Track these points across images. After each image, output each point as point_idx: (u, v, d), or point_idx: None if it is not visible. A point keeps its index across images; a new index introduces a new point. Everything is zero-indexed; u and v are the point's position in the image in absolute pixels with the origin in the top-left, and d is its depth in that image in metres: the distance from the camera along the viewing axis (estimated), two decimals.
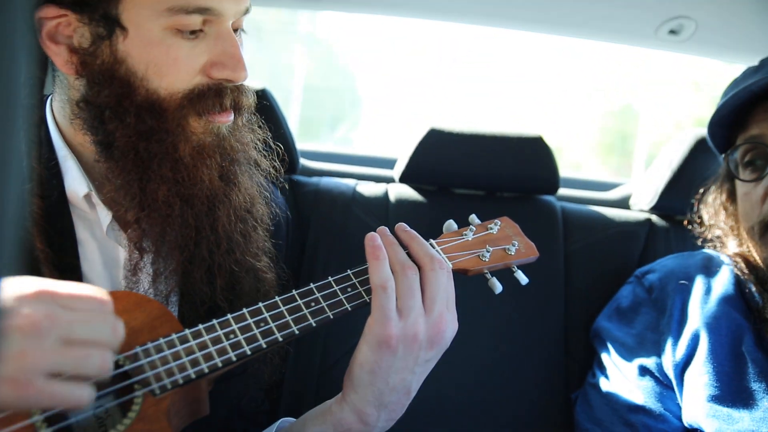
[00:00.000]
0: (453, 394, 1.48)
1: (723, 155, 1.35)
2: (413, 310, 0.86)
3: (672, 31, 1.68)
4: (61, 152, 0.96)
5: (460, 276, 0.98)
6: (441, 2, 1.75)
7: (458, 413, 1.47)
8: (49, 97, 1.01)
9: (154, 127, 0.89)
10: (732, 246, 1.29)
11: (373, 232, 0.91)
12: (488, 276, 0.99)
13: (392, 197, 1.59)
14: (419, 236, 0.93)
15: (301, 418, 0.97)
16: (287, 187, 1.59)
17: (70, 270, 0.93)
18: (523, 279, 1.00)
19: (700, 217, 1.40)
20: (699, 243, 1.39)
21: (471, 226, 1.03)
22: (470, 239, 1.00)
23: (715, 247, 1.35)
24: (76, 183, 0.95)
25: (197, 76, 0.90)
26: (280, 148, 1.09)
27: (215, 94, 0.91)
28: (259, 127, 1.06)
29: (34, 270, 0.88)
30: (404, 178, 1.63)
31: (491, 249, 0.99)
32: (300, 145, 1.76)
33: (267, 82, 1.58)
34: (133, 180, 0.90)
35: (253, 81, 1.54)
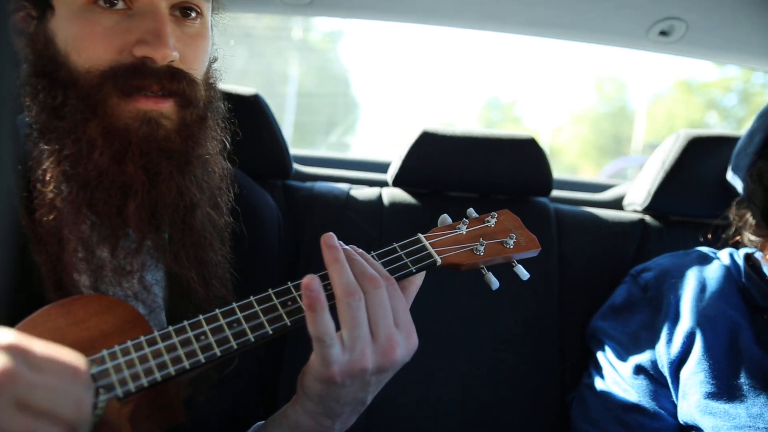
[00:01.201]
0: (447, 395, 1.48)
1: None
2: (358, 341, 0.79)
3: (663, 33, 1.68)
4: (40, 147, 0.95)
5: (453, 272, 0.95)
6: (432, 7, 1.75)
7: (452, 414, 1.47)
8: None
9: (62, 103, 0.85)
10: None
11: (311, 278, 0.79)
12: (484, 271, 0.95)
13: (386, 201, 1.59)
14: (342, 256, 0.82)
15: (265, 422, 0.95)
16: (282, 192, 1.59)
17: (56, 269, 0.91)
18: (524, 274, 0.96)
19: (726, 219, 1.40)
20: (719, 244, 1.40)
21: (465, 219, 0.99)
22: (464, 233, 0.96)
23: (736, 247, 1.35)
24: None
25: (119, 54, 0.86)
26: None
27: (135, 73, 0.86)
28: (225, 128, 1.01)
29: (23, 254, 0.87)
30: (397, 182, 1.63)
31: (485, 242, 0.95)
32: (293, 150, 1.76)
33: (261, 89, 1.58)
34: (44, 161, 0.87)
35: (246, 87, 1.55)
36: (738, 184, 1.36)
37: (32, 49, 0.88)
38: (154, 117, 0.88)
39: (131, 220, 0.88)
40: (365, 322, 0.80)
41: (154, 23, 0.86)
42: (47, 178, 0.87)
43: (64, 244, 0.90)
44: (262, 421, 0.97)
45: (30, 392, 0.61)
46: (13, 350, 0.62)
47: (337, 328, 0.80)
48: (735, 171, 1.37)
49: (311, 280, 0.78)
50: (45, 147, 0.87)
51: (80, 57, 0.86)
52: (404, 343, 0.82)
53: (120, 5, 0.87)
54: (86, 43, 0.85)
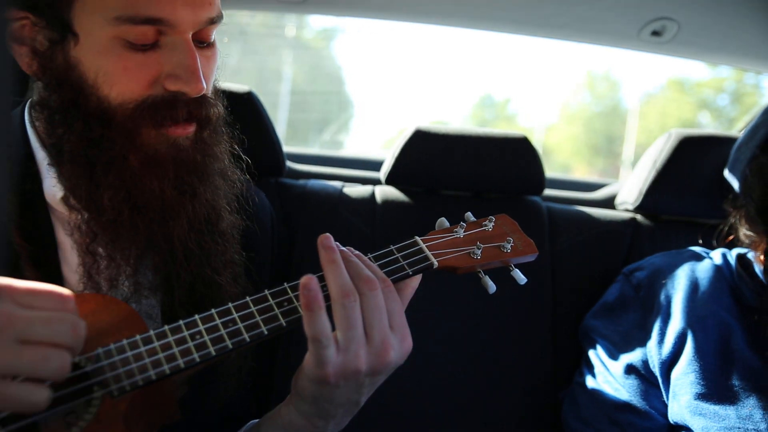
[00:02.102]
0: (440, 394, 1.48)
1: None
2: (353, 342, 0.79)
3: (655, 33, 1.69)
4: (39, 155, 0.94)
5: (449, 274, 0.95)
6: (426, 5, 1.76)
7: (446, 412, 1.47)
8: (29, 101, 1.00)
9: (102, 136, 0.87)
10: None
11: (309, 278, 0.79)
12: (481, 275, 0.95)
13: (379, 199, 1.59)
14: (339, 257, 0.83)
15: (259, 421, 0.96)
16: (275, 189, 1.59)
17: (51, 273, 0.92)
18: (521, 278, 0.96)
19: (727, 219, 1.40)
20: (715, 243, 1.40)
21: (463, 222, 0.99)
22: (461, 236, 0.96)
23: (732, 245, 1.36)
24: (54, 186, 0.93)
25: (151, 86, 0.87)
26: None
27: (168, 106, 0.88)
28: (231, 137, 1.04)
29: (15, 273, 0.87)
30: (390, 180, 1.63)
31: (483, 246, 0.95)
32: (287, 148, 1.76)
33: (254, 87, 1.57)
34: (80, 184, 0.88)
35: (239, 85, 1.55)
36: (735, 179, 1.37)
37: (50, 70, 0.88)
38: (179, 141, 0.91)
39: (178, 240, 0.92)
40: (360, 323, 0.80)
41: (185, 59, 0.87)
42: (92, 204, 0.89)
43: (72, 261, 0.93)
44: (256, 420, 0.98)
45: (29, 328, 0.66)
46: (0, 293, 0.66)
47: (333, 329, 0.80)
48: (734, 165, 1.38)
49: (309, 280, 0.78)
50: (81, 173, 0.89)
51: (112, 90, 0.86)
52: (398, 345, 0.83)
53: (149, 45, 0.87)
54: (119, 77, 0.86)
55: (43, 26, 0.87)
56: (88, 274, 0.91)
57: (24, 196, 0.92)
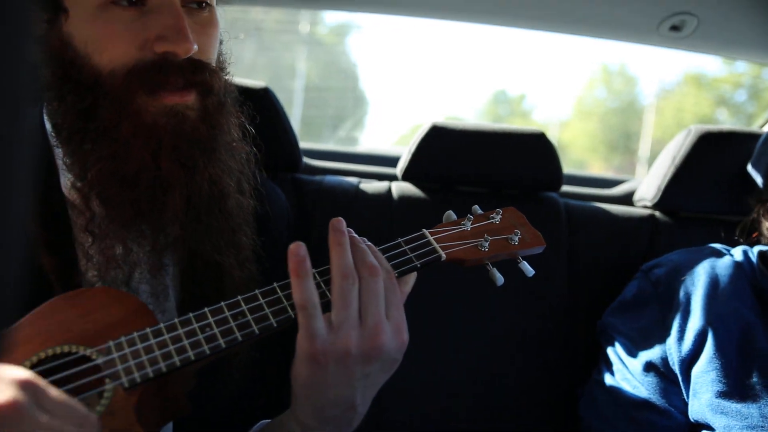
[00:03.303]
0: (456, 390, 1.48)
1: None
2: (345, 322, 0.79)
3: (674, 28, 1.67)
4: (57, 150, 0.95)
5: (458, 267, 0.95)
6: (441, 1, 1.75)
7: (461, 408, 1.47)
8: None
9: (93, 105, 0.86)
10: None
11: (297, 244, 0.79)
12: (489, 267, 0.95)
13: (395, 195, 1.59)
14: (346, 240, 0.83)
15: (265, 426, 0.96)
16: (291, 185, 1.60)
17: (68, 266, 0.92)
18: (528, 270, 0.96)
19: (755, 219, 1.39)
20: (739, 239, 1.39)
21: (470, 215, 0.98)
22: (468, 229, 0.96)
23: (755, 242, 1.35)
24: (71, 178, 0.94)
25: (140, 51, 0.86)
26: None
27: (159, 70, 0.86)
28: (241, 112, 1.03)
29: (33, 269, 0.88)
30: (407, 176, 1.63)
31: (490, 239, 0.94)
32: (302, 144, 1.76)
33: (268, 83, 1.58)
34: (76, 161, 0.88)
35: (255, 81, 1.55)
36: (758, 174, 1.36)
37: (47, 53, 0.88)
38: (180, 110, 0.89)
39: (173, 215, 0.90)
40: (355, 305, 0.80)
41: (171, 19, 0.86)
42: (85, 178, 0.88)
43: (78, 245, 0.92)
44: (267, 420, 0.98)
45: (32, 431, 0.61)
46: (26, 387, 0.62)
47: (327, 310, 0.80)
48: (759, 159, 1.37)
49: (298, 247, 0.78)
50: (77, 149, 0.88)
51: (102, 57, 0.86)
52: (392, 334, 0.81)
53: (136, 2, 0.87)
54: (107, 43, 0.85)
55: (41, 11, 0.87)
56: (87, 254, 0.91)
57: (42, 190, 0.92)
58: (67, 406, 0.66)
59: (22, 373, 0.63)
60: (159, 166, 0.88)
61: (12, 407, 0.60)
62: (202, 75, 0.91)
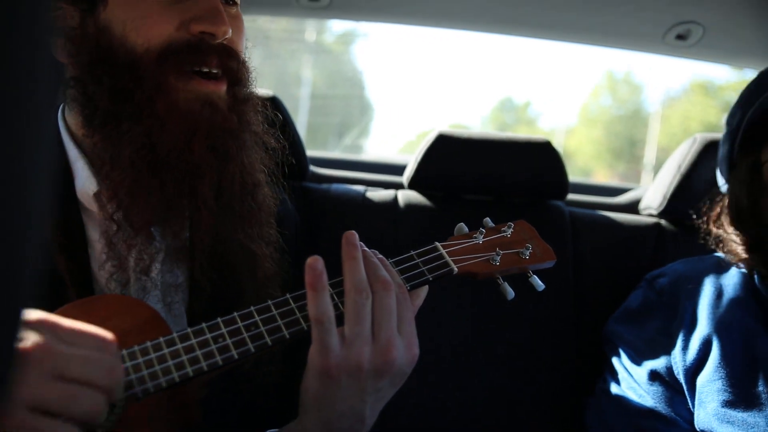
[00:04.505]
0: (460, 397, 1.48)
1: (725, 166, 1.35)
2: (358, 338, 0.79)
3: (679, 36, 1.68)
4: (71, 154, 0.96)
5: (468, 280, 0.95)
6: (448, 10, 1.76)
7: (466, 417, 1.47)
8: (60, 104, 1.03)
9: (129, 85, 0.87)
10: (741, 251, 1.28)
11: (315, 258, 0.80)
12: (500, 281, 0.95)
13: (401, 203, 1.59)
14: (359, 255, 0.84)
15: None
16: (299, 193, 1.60)
17: (80, 270, 0.93)
18: (539, 285, 0.95)
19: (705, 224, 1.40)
20: (710, 246, 1.39)
21: (482, 228, 0.99)
22: (480, 242, 0.96)
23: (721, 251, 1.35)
24: (86, 183, 0.95)
25: (177, 31, 0.89)
26: (286, 149, 1.07)
27: (195, 50, 0.89)
28: (266, 108, 1.04)
29: (47, 272, 0.89)
30: (413, 184, 1.63)
31: (501, 252, 0.95)
32: (309, 152, 1.77)
33: (274, 91, 1.59)
34: (109, 146, 0.89)
35: (263, 90, 1.56)
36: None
37: (82, 43, 0.89)
38: (213, 99, 0.91)
39: (204, 201, 0.91)
40: (368, 320, 0.80)
41: (208, 2, 0.90)
42: (118, 162, 0.89)
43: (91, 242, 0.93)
44: (274, 430, 0.98)
45: (65, 364, 0.64)
46: (44, 326, 0.65)
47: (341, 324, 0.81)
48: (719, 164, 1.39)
49: (315, 261, 0.79)
50: (112, 131, 0.89)
51: (139, 36, 0.88)
52: (404, 349, 0.82)
53: None
54: (145, 21, 0.88)
55: (74, 6, 0.89)
56: (110, 242, 0.91)
57: (57, 195, 0.93)
58: (85, 332, 0.68)
59: (34, 313, 0.66)
60: (191, 149, 0.89)
61: (39, 348, 0.63)
62: (235, 62, 0.94)
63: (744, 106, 1.30)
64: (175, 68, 0.88)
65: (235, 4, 0.99)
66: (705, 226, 1.38)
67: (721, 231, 1.33)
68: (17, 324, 0.38)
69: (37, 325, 0.64)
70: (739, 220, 1.28)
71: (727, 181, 1.34)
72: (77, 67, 0.90)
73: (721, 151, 1.36)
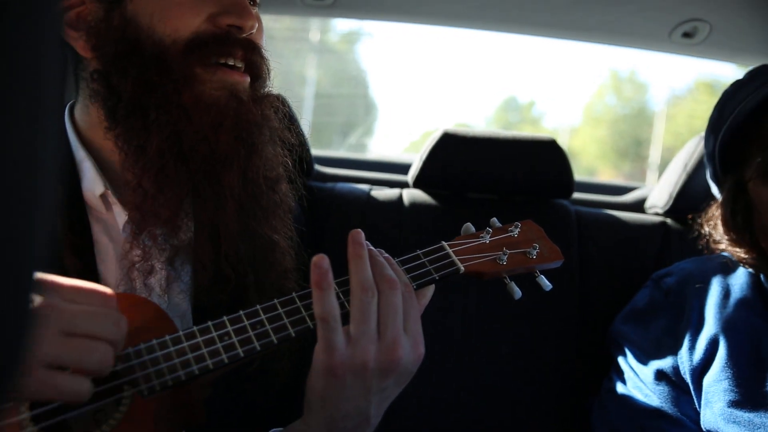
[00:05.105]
0: (463, 397, 1.48)
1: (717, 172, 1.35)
2: (364, 336, 0.79)
3: (686, 35, 1.67)
4: (78, 154, 0.97)
5: (474, 280, 0.95)
6: (452, 8, 1.75)
7: (470, 417, 1.47)
8: (68, 104, 1.03)
9: (156, 76, 0.88)
10: (742, 253, 1.28)
11: (321, 257, 0.80)
12: (507, 281, 0.95)
13: (406, 202, 1.59)
14: (366, 253, 0.84)
15: None
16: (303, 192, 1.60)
17: (87, 270, 0.93)
18: (546, 285, 0.95)
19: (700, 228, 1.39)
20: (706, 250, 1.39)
21: (489, 228, 0.99)
22: (487, 242, 0.96)
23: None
24: (92, 183, 0.95)
25: (204, 23, 0.90)
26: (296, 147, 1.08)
27: (221, 42, 0.91)
28: (283, 104, 1.06)
29: (55, 271, 0.89)
30: (418, 183, 1.63)
31: (508, 252, 0.95)
32: (313, 151, 1.77)
33: (278, 90, 1.59)
34: (135, 139, 0.90)
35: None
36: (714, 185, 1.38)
37: (107, 36, 0.90)
38: (238, 90, 0.93)
39: (230, 190, 0.93)
40: (374, 319, 0.80)
41: None
42: (144, 152, 0.90)
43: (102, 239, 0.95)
44: (278, 429, 0.98)
45: (73, 320, 0.67)
46: (46, 287, 0.67)
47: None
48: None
49: (321, 259, 0.79)
50: (138, 122, 0.90)
51: (166, 27, 0.89)
52: (409, 348, 0.82)
53: None
54: (173, 12, 0.89)
55: (97, 2, 0.90)
56: (134, 234, 0.92)
57: (63, 198, 0.93)
58: (85, 289, 0.71)
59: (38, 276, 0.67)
60: (218, 139, 0.91)
61: (45, 308, 0.65)
62: (258, 56, 0.96)
63: (714, 131, 1.32)
64: (201, 60, 0.90)
65: (256, 4, 1.00)
66: (703, 231, 1.38)
67: (719, 237, 1.33)
68: (28, 315, 0.38)
69: (39, 287, 0.65)
70: (735, 234, 1.28)
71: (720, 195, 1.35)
72: (101, 60, 0.91)
73: (708, 171, 1.37)
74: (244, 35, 0.93)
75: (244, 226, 0.97)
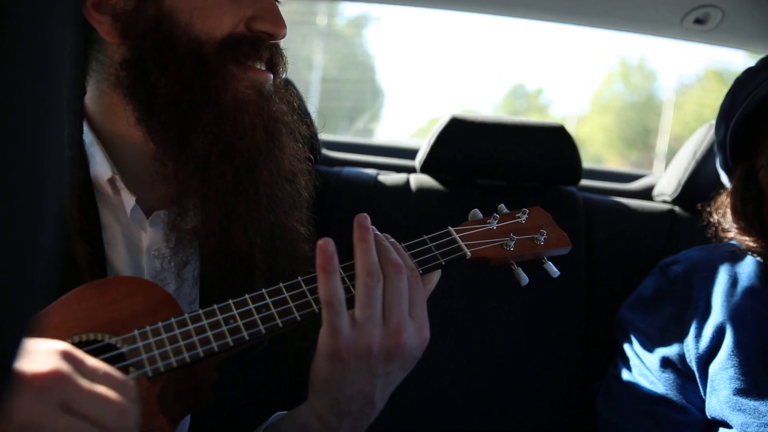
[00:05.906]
0: (471, 384, 1.48)
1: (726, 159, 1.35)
2: (369, 321, 0.79)
3: (698, 21, 1.65)
4: (86, 138, 0.97)
5: (482, 265, 0.95)
6: None
7: (476, 403, 1.47)
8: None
9: (196, 74, 0.89)
10: (750, 241, 1.28)
11: (326, 240, 0.79)
12: (514, 267, 0.95)
13: (413, 187, 1.59)
14: (371, 237, 0.83)
15: (282, 417, 0.96)
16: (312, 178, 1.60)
17: (95, 254, 0.94)
18: (554, 271, 0.95)
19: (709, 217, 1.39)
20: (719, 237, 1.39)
21: (496, 214, 0.98)
22: (494, 228, 0.96)
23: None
24: (100, 167, 0.96)
25: (236, 25, 0.92)
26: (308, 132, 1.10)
27: (252, 44, 0.93)
28: (298, 98, 1.08)
29: (63, 254, 0.89)
30: (425, 168, 1.63)
31: (516, 238, 0.94)
32: (320, 135, 1.76)
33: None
34: (173, 133, 0.91)
35: None
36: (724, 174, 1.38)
37: (137, 25, 0.90)
38: (267, 88, 0.96)
39: (264, 186, 0.95)
40: (379, 303, 0.80)
41: (269, 3, 0.95)
42: (185, 146, 0.91)
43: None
44: (283, 412, 0.99)
45: (76, 396, 0.63)
46: (66, 356, 0.64)
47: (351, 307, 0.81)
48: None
49: (326, 243, 0.79)
50: (177, 119, 0.91)
51: (204, 26, 0.90)
52: (414, 333, 0.82)
53: None
54: (213, 11, 0.91)
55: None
56: (172, 224, 0.94)
57: (76, 178, 0.94)
58: (105, 372, 0.68)
59: (61, 344, 0.65)
60: (255, 137, 0.93)
61: (55, 375, 0.62)
62: (279, 57, 0.99)
63: (725, 119, 1.31)
64: (232, 59, 0.92)
65: (279, 2, 1.02)
66: (711, 219, 1.38)
67: (728, 225, 1.33)
68: (31, 311, 0.38)
69: (60, 354, 0.64)
70: (745, 223, 1.28)
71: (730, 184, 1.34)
72: (132, 50, 0.90)
73: (718, 159, 1.37)
74: (275, 41, 0.97)
75: (274, 219, 0.99)
